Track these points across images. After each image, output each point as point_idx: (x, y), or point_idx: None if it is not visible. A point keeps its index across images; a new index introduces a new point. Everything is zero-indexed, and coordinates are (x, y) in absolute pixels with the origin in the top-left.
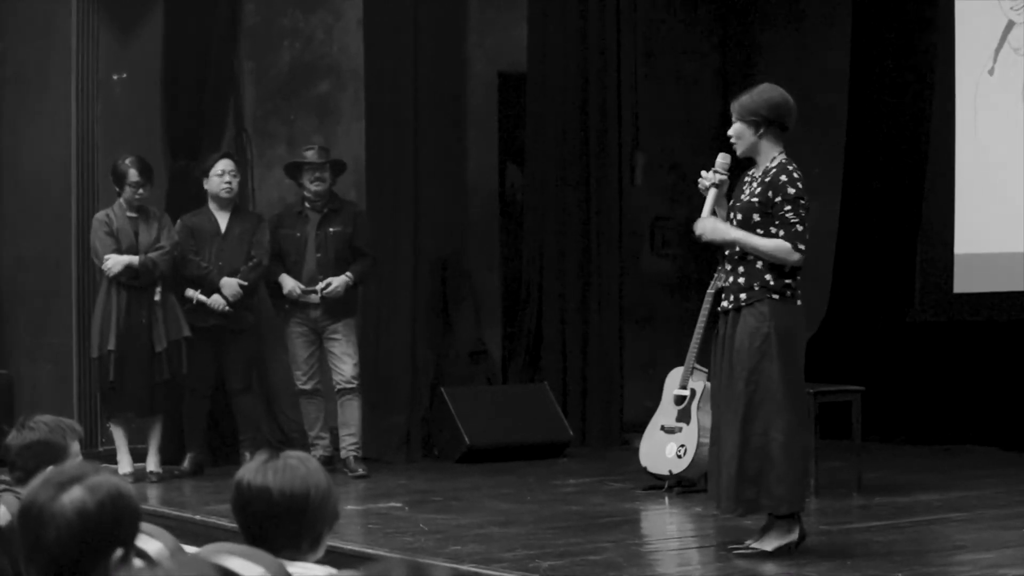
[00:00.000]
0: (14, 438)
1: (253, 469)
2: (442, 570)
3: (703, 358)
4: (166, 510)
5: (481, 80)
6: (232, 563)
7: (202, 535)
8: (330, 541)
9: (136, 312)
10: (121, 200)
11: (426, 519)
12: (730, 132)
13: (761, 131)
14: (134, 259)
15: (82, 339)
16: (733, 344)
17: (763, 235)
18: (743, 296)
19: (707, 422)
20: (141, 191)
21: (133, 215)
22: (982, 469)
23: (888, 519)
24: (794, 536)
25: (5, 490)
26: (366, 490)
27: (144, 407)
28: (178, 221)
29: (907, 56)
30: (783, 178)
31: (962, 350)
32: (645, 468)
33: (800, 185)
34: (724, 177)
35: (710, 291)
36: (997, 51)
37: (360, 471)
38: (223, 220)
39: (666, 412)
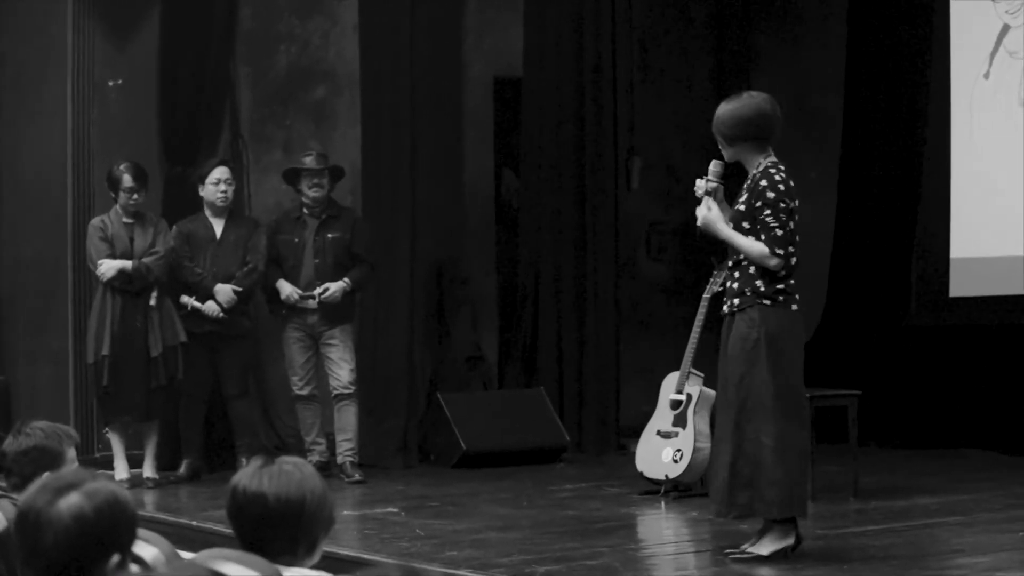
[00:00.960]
0: (10, 444)
1: (249, 475)
2: (438, 575)
3: (699, 362)
4: (162, 516)
5: (477, 84)
6: (228, 569)
7: (198, 541)
8: (326, 547)
9: (131, 317)
10: (117, 206)
11: (422, 524)
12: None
13: (734, 143)
14: (127, 264)
15: (78, 344)
16: (728, 349)
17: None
18: (736, 301)
19: (703, 426)
20: (136, 196)
21: (129, 220)
22: (979, 473)
23: (885, 523)
24: (790, 540)
25: (1, 496)
26: (362, 495)
27: (140, 412)
28: (174, 227)
29: (903, 59)
30: (764, 183)
31: (958, 354)
32: (641, 473)
33: (782, 188)
34: (717, 184)
35: (706, 295)
36: (992, 55)
37: (356, 476)
38: (218, 226)
39: (662, 417)
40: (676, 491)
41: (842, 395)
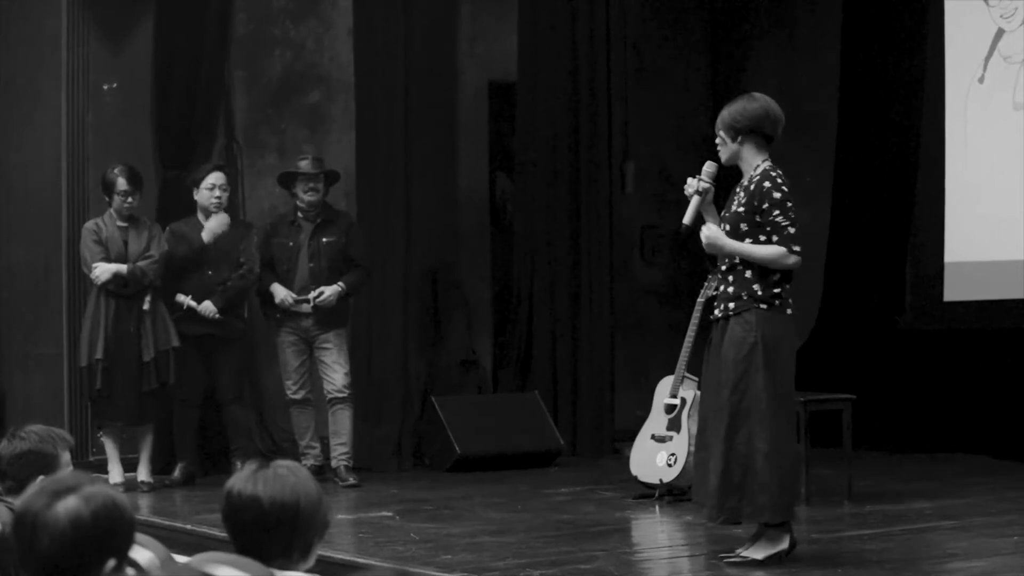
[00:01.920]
0: (5, 448)
1: (243, 478)
2: None
3: (693, 367)
4: (157, 520)
5: (472, 89)
6: (222, 572)
7: (193, 545)
8: (321, 550)
9: (125, 321)
10: (111, 209)
11: (417, 528)
12: (716, 140)
13: (740, 140)
14: (122, 268)
15: (72, 349)
16: (720, 353)
17: (753, 244)
18: (731, 305)
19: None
20: (130, 200)
21: (123, 224)
22: (973, 477)
23: (879, 527)
24: (784, 544)
25: None
26: (357, 499)
27: (133, 416)
28: (167, 228)
29: (897, 63)
30: (767, 184)
31: (952, 358)
32: (636, 477)
33: (786, 189)
34: (708, 185)
35: (700, 299)
36: (987, 59)
37: (351, 480)
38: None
39: (656, 421)
40: (671, 495)
41: (836, 399)
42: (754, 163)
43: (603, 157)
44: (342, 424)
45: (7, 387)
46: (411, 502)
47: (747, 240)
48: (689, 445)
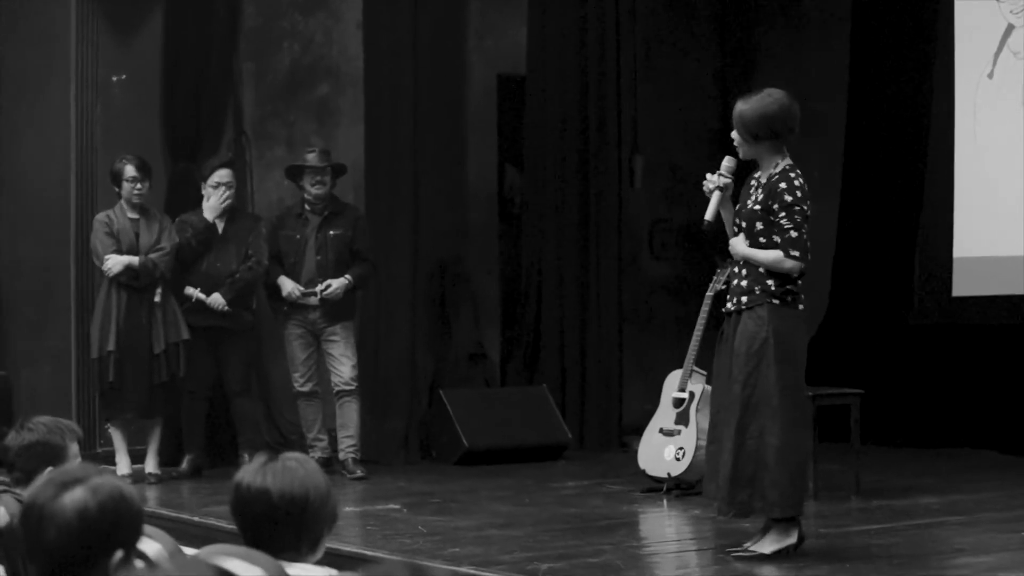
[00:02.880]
0: (13, 439)
1: (252, 471)
2: (441, 572)
3: (702, 361)
4: (165, 512)
5: (480, 83)
6: (231, 565)
7: (201, 537)
8: (329, 543)
9: (136, 313)
10: (122, 201)
11: (425, 521)
12: (733, 137)
13: (758, 141)
14: (134, 260)
15: (80, 341)
16: (732, 347)
17: (765, 243)
18: (744, 299)
19: (706, 424)
20: (139, 186)
21: (134, 216)
22: (981, 472)
23: (887, 522)
24: (792, 539)
25: (4, 491)
26: (365, 492)
27: (143, 409)
28: (176, 219)
29: (906, 60)
30: (782, 185)
31: (960, 353)
32: (644, 471)
33: (799, 193)
34: (729, 180)
35: (709, 293)
36: (996, 55)
37: (359, 473)
38: (220, 222)
39: (665, 415)
40: (678, 489)
41: (845, 394)
42: (774, 160)
43: (612, 151)
44: (349, 417)
45: (15, 380)
46: (419, 495)
47: (760, 239)
48: (697, 439)
